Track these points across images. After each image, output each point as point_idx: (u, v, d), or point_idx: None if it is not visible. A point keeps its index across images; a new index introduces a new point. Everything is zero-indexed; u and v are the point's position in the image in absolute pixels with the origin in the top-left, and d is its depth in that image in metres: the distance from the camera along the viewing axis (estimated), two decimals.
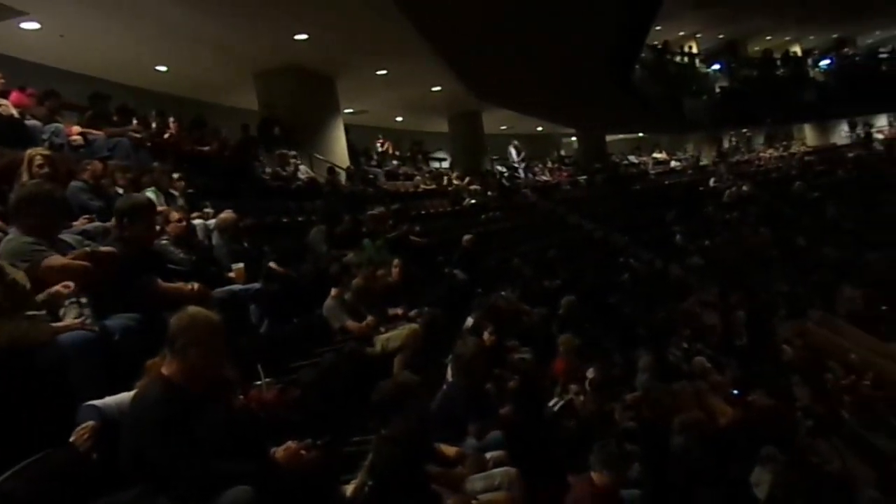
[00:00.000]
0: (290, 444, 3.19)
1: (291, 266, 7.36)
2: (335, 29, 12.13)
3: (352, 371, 5.64)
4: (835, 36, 29.65)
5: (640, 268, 15.19)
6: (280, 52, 12.76)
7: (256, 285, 5.85)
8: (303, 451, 3.17)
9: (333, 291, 6.58)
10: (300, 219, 9.43)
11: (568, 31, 12.45)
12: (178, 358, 2.86)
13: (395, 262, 8.10)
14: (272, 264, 6.74)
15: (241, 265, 5.82)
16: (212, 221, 6.84)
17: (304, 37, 12.17)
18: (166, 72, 12.91)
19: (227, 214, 6.66)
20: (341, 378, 5.45)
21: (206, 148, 9.23)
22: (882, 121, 32.62)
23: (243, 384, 3.94)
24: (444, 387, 5.48)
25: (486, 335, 6.41)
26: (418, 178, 15.88)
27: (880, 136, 30.98)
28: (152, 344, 3.24)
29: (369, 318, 6.55)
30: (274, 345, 5.64)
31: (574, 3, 11.07)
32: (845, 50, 29.27)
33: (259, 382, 4.12)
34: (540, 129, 27.45)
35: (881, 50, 29.57)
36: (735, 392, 8.97)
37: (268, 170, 11.04)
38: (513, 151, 23.35)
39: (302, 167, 11.61)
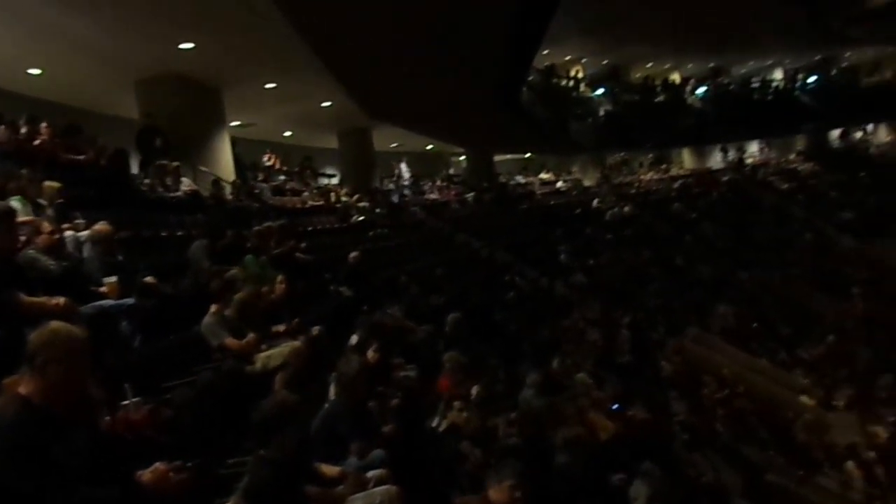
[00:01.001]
0: (158, 465, 3.05)
1: (170, 281, 7.11)
2: (222, 39, 11.81)
3: (230, 390, 5.48)
4: (711, 65, 31.31)
5: (525, 285, 15.49)
6: (164, 61, 12.28)
7: (129, 300, 5.62)
8: (171, 474, 3.04)
9: (213, 307, 6.36)
10: (180, 233, 9.09)
11: (457, 52, 12.64)
12: (37, 376, 2.67)
13: (279, 278, 7.95)
14: (148, 279, 6.47)
15: (113, 279, 5.57)
16: (84, 233, 6.51)
17: (189, 46, 11.75)
18: (40, 75, 12.18)
19: (101, 226, 6.34)
20: (218, 398, 5.28)
21: (81, 157, 8.75)
22: (754, 147, 34.55)
23: (110, 404, 3.77)
24: (326, 405, 5.40)
25: (370, 353, 6.36)
26: (306, 193, 15.66)
27: (750, 161, 32.99)
28: (13, 362, 3.06)
29: (250, 336, 6.38)
30: (147, 363, 5.41)
31: (463, 25, 11.20)
32: (720, 79, 30.97)
33: (127, 402, 3.93)
34: (430, 147, 27.69)
35: (753, 79, 31.45)
36: (615, 407, 9.19)
37: (147, 181, 10.64)
38: (403, 168, 23.46)
39: (185, 179, 11.21)
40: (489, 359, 9.66)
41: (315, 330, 7.04)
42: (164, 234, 8.85)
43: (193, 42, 11.67)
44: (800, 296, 18.37)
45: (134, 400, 3.97)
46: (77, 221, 6.92)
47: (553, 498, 5.53)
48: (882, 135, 35.59)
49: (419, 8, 10.14)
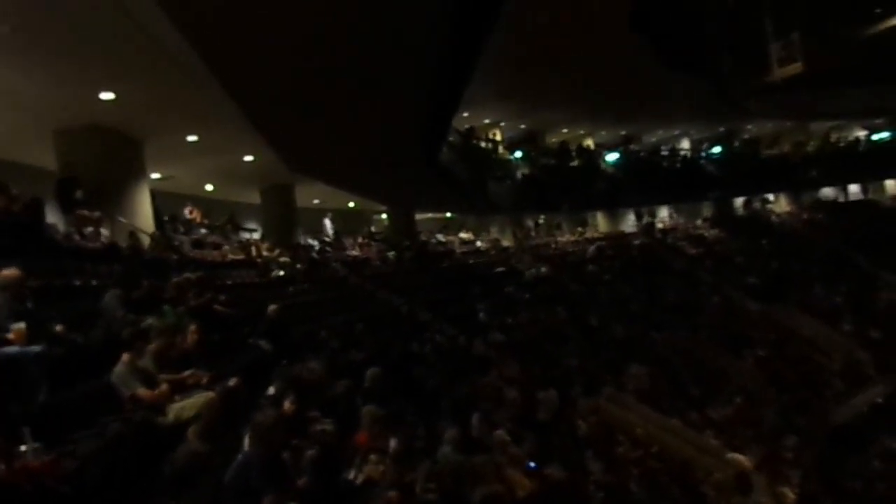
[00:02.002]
0: None
1: (81, 331, 6.92)
2: (144, 89, 11.60)
3: (141, 442, 5.35)
4: (623, 133, 32.34)
5: (444, 342, 15.50)
6: (84, 111, 12.00)
7: (36, 348, 5.46)
8: None
9: (125, 357, 6.22)
10: (94, 283, 8.86)
11: (379, 110, 12.80)
12: None
13: (192, 327, 7.83)
14: (58, 327, 6.31)
15: (21, 325, 5.42)
16: None
17: (110, 96, 11.53)
18: None
19: (10, 271, 6.17)
20: (128, 449, 5.15)
21: None
22: (664, 212, 35.82)
23: (6, 452, 3.65)
24: (240, 456, 5.33)
25: (286, 404, 6.31)
26: (226, 247, 15.47)
27: (660, 226, 33.95)
28: None
29: (163, 386, 6.26)
30: (53, 412, 5.24)
31: (384, 84, 11.37)
32: (631, 146, 32.05)
33: (24, 448, 3.81)
34: (352, 204, 27.82)
35: (662, 148, 32.72)
36: (532, 465, 9.16)
37: (61, 229, 10.38)
38: (328, 224, 23.45)
39: (103, 230, 10.98)
40: (408, 414, 9.64)
41: (232, 381, 6.94)
42: (77, 283, 8.59)
43: (114, 92, 11.44)
44: (708, 357, 18.54)
45: (33, 446, 3.85)
46: None
47: None
48: (783, 204, 37.57)
49: (341, 65, 10.24)
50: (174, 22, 7.65)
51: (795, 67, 22.32)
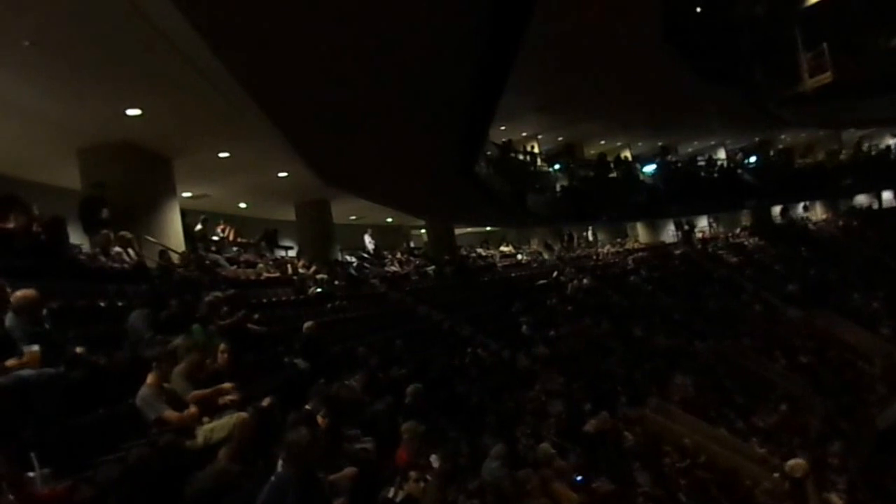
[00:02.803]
0: None
1: (105, 352, 6.56)
2: (172, 105, 11.27)
3: (167, 467, 4.93)
4: (660, 143, 32.36)
5: (487, 357, 15.10)
6: (109, 128, 11.64)
7: (51, 371, 5.10)
8: None
9: (150, 378, 5.84)
10: (120, 303, 8.52)
11: (415, 123, 12.63)
12: None
13: (222, 347, 7.44)
14: (79, 349, 5.95)
15: (35, 348, 5.06)
16: None
17: (137, 112, 11.16)
18: None
19: (25, 292, 5.83)
20: (152, 475, 4.73)
21: (11, 225, 8.20)
22: (703, 222, 35.51)
23: (13, 480, 3.25)
24: (273, 477, 4.89)
25: (319, 418, 5.88)
26: (261, 265, 15.16)
27: (700, 235, 34.22)
28: None
29: (192, 408, 5.87)
30: (70, 437, 4.86)
31: (420, 96, 11.18)
32: (668, 156, 31.93)
33: (32, 474, 3.41)
34: (390, 220, 27.56)
35: (699, 158, 32.81)
36: (579, 479, 8.97)
37: (85, 250, 10.11)
38: (368, 240, 23.24)
39: (129, 250, 10.69)
40: (450, 431, 9.22)
41: (265, 401, 6.53)
42: (101, 304, 8.25)
43: (141, 108, 11.12)
44: (752, 365, 18.66)
45: (42, 471, 3.45)
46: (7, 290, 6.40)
47: None
48: (819, 212, 38.04)
49: (376, 79, 10.02)
50: (204, 37, 7.34)
51: (825, 77, 23.09)
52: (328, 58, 8.99)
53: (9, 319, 5.71)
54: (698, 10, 23.50)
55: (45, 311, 6.18)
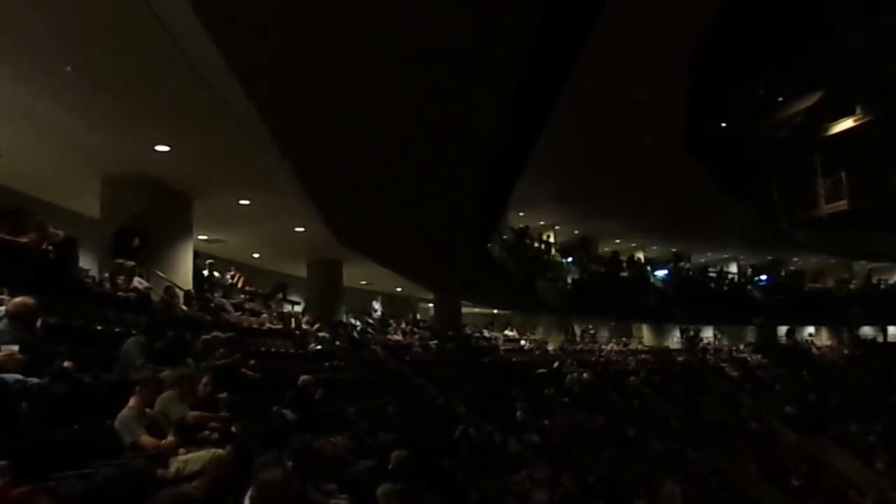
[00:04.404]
0: None
1: (93, 373, 6.51)
2: (201, 147, 11.58)
3: (133, 492, 4.80)
4: (674, 250, 32.75)
5: (478, 437, 14.81)
6: (136, 161, 11.92)
7: (34, 380, 5.06)
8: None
9: (132, 402, 5.78)
10: (118, 329, 8.51)
11: (433, 198, 12.87)
12: None
13: (205, 379, 7.35)
14: (67, 363, 5.91)
15: (14, 348, 5.04)
16: (2, 308, 6.02)
17: (165, 149, 11.46)
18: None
19: (24, 299, 5.85)
20: (117, 498, 4.61)
21: (24, 239, 8.29)
22: (708, 333, 35.51)
23: None
24: None
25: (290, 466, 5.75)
26: (265, 315, 15.15)
27: (704, 345, 34.25)
28: None
29: (170, 438, 5.78)
30: (42, 448, 4.77)
31: (440, 175, 11.59)
32: (682, 263, 32.34)
33: None
34: (399, 289, 27.61)
35: (711, 269, 33.27)
36: None
37: (93, 274, 10.16)
38: (377, 307, 23.23)
39: (137, 280, 10.74)
40: (431, 502, 8.97)
41: (245, 441, 6.39)
42: (98, 327, 8.24)
43: (170, 146, 11.40)
44: (744, 482, 18.54)
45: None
46: (2, 297, 6.43)
47: None
48: (824, 337, 38.40)
49: (401, 148, 10.33)
50: (240, 81, 7.53)
51: (840, 205, 23.38)
52: (360, 118, 9.19)
53: (2, 325, 5.71)
54: (723, 125, 23.96)
55: (39, 323, 6.18)
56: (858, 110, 23.84)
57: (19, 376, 5.00)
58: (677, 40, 12.94)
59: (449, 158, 11.05)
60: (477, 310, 31.55)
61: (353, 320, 21.15)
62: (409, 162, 11.06)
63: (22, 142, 10.94)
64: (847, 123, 24.01)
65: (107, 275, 10.42)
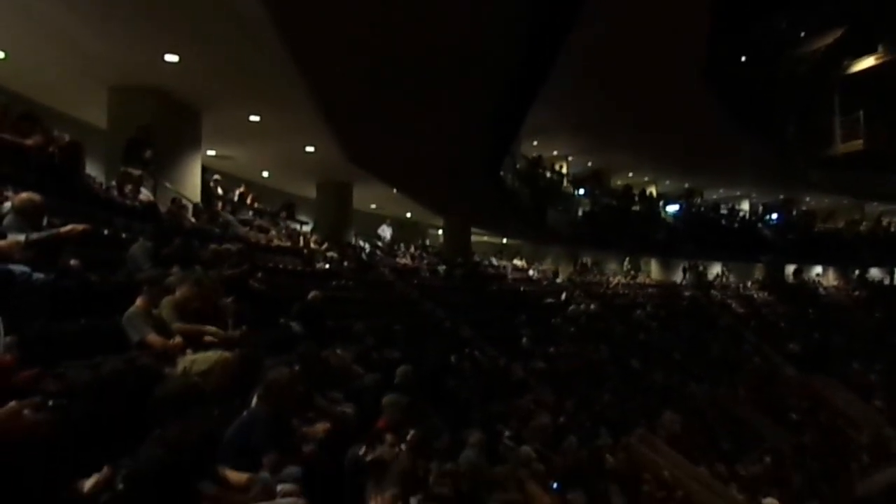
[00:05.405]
0: (13, 403, 2.46)
1: (98, 274, 6.45)
2: (211, 57, 11.29)
3: (139, 386, 4.79)
4: (686, 185, 32.65)
5: (483, 361, 14.93)
6: (145, 70, 11.66)
7: (41, 275, 5.00)
8: (26, 412, 2.45)
9: (139, 301, 5.74)
10: (125, 235, 8.44)
11: (446, 116, 12.75)
12: None
13: (230, 300, 7.26)
14: (73, 261, 5.85)
15: (21, 237, 4.98)
16: (7, 204, 5.94)
17: (174, 59, 11.16)
18: (3, 59, 11.28)
19: (30, 194, 5.77)
20: (123, 390, 4.60)
21: (29, 142, 8.14)
22: (717, 269, 35.50)
23: None
24: (245, 413, 4.77)
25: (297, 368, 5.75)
26: (273, 232, 15.08)
27: (713, 280, 34.35)
28: None
29: (178, 338, 5.76)
30: (48, 339, 4.75)
31: (454, 92, 11.43)
32: (693, 199, 32.42)
33: None
34: (409, 215, 27.52)
35: (723, 206, 33.25)
36: (555, 485, 8.78)
37: (99, 181, 10.06)
38: (386, 230, 23.21)
39: (143, 189, 10.64)
40: (435, 419, 9.03)
41: (254, 348, 6.37)
42: (105, 231, 8.15)
43: (179, 55, 11.10)
44: (743, 415, 18.76)
45: (5, 339, 3.35)
46: (7, 193, 6.34)
47: None
48: (831, 278, 38.33)
49: (416, 63, 10.11)
50: None
51: (856, 144, 23.79)
52: (375, 33, 9.00)
53: (7, 219, 5.64)
54: (743, 59, 23.43)
55: (45, 221, 6.10)
56: (880, 49, 23.42)
57: (25, 268, 4.94)
58: None
59: (463, 79, 10.89)
60: (486, 239, 31.52)
61: (361, 243, 21.11)
62: (423, 81, 10.89)
63: (27, 44, 10.67)
64: (868, 62, 23.67)
65: (114, 183, 10.28)
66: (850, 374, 23.44)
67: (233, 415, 4.98)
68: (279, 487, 3.86)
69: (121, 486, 2.86)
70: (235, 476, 3.87)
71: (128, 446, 3.73)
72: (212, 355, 5.61)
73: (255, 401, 4.96)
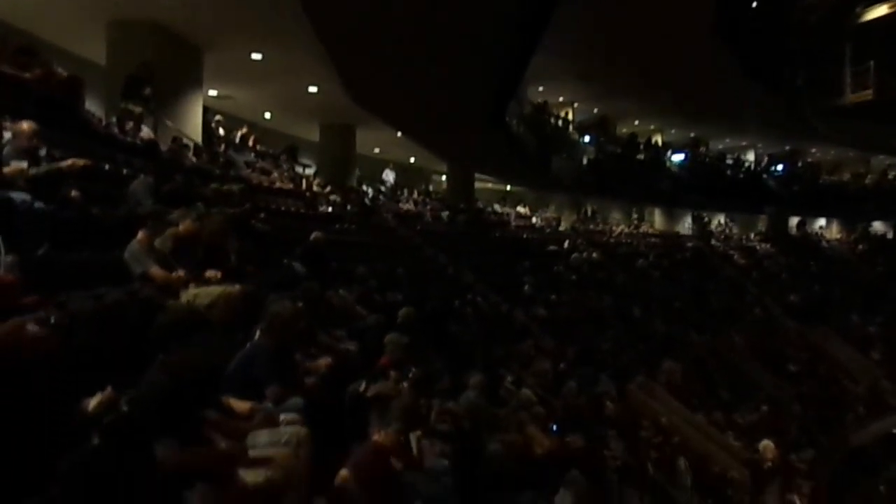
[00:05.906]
0: (15, 319, 2.42)
1: (100, 208, 6.39)
2: None
3: (141, 318, 4.76)
4: (692, 135, 32.40)
5: (485, 306, 14.94)
6: (145, 4, 11.45)
7: (41, 204, 4.93)
8: (29, 327, 2.40)
9: (140, 235, 5.68)
10: (126, 171, 8.35)
11: (451, 59, 12.53)
12: None
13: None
14: (74, 192, 5.78)
15: (24, 164, 4.90)
16: (7, 134, 5.83)
17: None
18: None
19: (28, 122, 5.66)
20: (125, 321, 4.56)
21: (28, 75, 7.99)
22: (720, 219, 35.44)
23: None
24: (248, 346, 4.77)
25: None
26: (275, 174, 14.97)
27: (716, 230, 34.41)
28: None
29: (180, 271, 5.72)
30: (49, 268, 4.70)
31: (461, 32, 11.22)
32: (699, 149, 32.02)
33: None
34: (413, 160, 27.34)
35: (728, 156, 33.08)
36: (554, 428, 8.86)
37: (99, 117, 9.92)
38: (389, 175, 23.06)
39: (144, 127, 10.50)
40: (436, 361, 9.06)
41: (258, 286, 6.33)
42: (106, 167, 8.05)
43: None
44: (742, 364, 18.91)
45: (6, 258, 3.31)
46: (5, 125, 6.23)
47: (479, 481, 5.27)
48: (834, 231, 38.27)
49: (422, 6, 10.04)
50: None
51: (866, 94, 23.13)
52: None
53: (7, 149, 5.55)
54: (753, 4, 22.97)
55: (44, 152, 6.01)
56: None
57: (26, 196, 4.87)
58: None
59: (468, 18, 10.65)
60: (490, 185, 31.39)
61: (364, 187, 20.99)
62: (428, 20, 10.68)
63: None
64: (880, 10, 23.12)
65: (114, 120, 10.15)
66: (850, 326, 23.53)
67: (236, 348, 4.97)
68: (282, 417, 3.87)
69: (125, 408, 2.83)
70: (239, 405, 3.88)
71: (130, 375, 3.73)
72: (215, 289, 5.55)
73: (258, 334, 4.93)
